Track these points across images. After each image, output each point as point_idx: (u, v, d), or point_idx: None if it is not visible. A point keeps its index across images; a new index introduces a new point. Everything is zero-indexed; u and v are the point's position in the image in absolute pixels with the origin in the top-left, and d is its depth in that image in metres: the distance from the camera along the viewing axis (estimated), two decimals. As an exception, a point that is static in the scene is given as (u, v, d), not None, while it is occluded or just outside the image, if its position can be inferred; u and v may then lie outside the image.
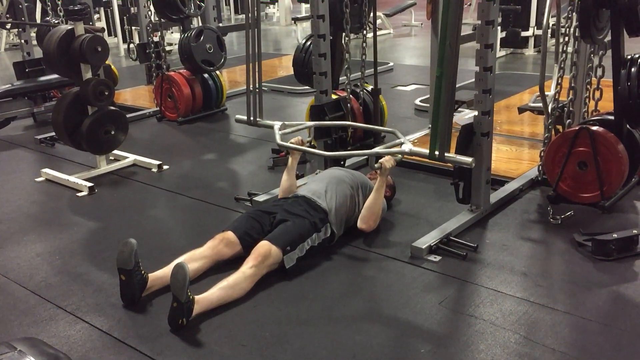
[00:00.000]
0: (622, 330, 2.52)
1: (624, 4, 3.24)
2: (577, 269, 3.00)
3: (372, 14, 4.77)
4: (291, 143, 3.57)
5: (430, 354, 2.42)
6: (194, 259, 2.96)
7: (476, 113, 3.38)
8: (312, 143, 4.10)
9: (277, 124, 3.70)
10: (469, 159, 3.03)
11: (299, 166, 3.88)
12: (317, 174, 4.15)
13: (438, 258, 3.13)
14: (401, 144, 3.32)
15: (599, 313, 2.65)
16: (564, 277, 2.94)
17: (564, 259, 3.12)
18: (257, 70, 3.83)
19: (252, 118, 3.95)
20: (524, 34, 8.70)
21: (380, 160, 3.29)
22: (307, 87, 5.75)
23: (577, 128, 3.44)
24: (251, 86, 3.86)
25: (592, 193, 3.45)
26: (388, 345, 2.48)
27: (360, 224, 3.34)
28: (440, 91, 2.96)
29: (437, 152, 3.04)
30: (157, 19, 6.03)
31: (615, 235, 3.07)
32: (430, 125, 3.22)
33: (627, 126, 3.50)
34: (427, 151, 3.09)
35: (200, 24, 6.63)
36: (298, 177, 4.20)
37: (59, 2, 6.12)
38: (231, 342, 2.53)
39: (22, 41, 6.39)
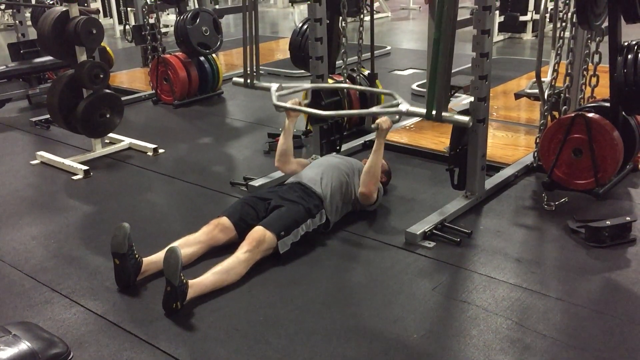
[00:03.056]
0: (613, 317, 2.54)
1: (622, -10, 3.22)
2: (570, 256, 3.01)
3: (369, -2, 4.74)
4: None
5: (423, 339, 2.44)
6: (188, 244, 2.97)
7: (472, 99, 3.37)
8: (308, 128, 4.09)
9: (274, 85, 3.65)
10: (466, 118, 2.99)
11: (294, 152, 3.87)
12: (313, 159, 4.15)
13: (432, 244, 3.14)
14: (398, 104, 3.24)
15: (591, 300, 2.67)
16: (557, 264, 2.96)
17: (557, 245, 3.13)
18: (253, 30, 3.77)
19: (249, 81, 3.91)
20: (522, 18, 8.67)
21: (377, 121, 3.27)
22: (304, 71, 5.73)
23: (572, 115, 3.44)
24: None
25: (587, 180, 3.45)
26: (381, 331, 2.50)
27: (361, 188, 3.34)
28: (437, 53, 2.93)
29: (434, 112, 3.02)
30: (152, 0, 5.98)
31: (608, 223, 3.08)
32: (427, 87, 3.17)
33: (623, 113, 3.50)
34: (424, 111, 3.05)
35: (197, 6, 6.59)
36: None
37: (54, -17, 6.08)
38: (225, 326, 2.55)
39: (17, 22, 6.35)
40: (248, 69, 3.84)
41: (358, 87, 4.13)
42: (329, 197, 3.24)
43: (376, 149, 3.31)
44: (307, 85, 3.91)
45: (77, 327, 2.59)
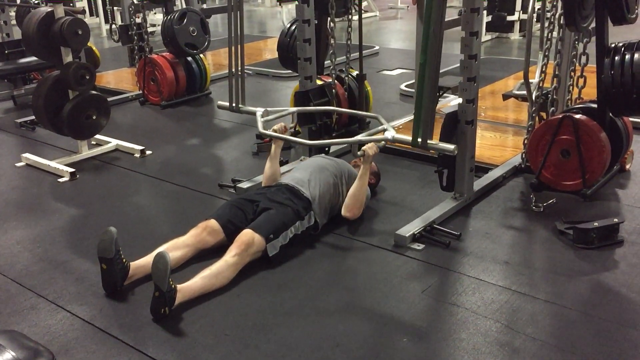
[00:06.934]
0: (601, 318, 2.55)
1: (609, -8, 3.24)
2: (559, 258, 3.02)
3: (357, -2, 4.73)
4: (274, 130, 3.54)
5: (412, 343, 2.43)
6: (176, 248, 2.94)
7: (461, 100, 3.37)
8: (297, 129, 4.08)
9: (259, 111, 3.66)
10: (451, 147, 3.03)
11: (283, 152, 3.87)
12: (302, 160, 4.14)
13: (421, 246, 3.14)
14: (384, 130, 3.30)
15: (580, 302, 2.68)
16: (545, 266, 2.97)
17: (545, 247, 3.14)
18: (239, 55, 3.79)
19: (234, 104, 3.91)
20: (509, 18, 8.69)
21: (363, 148, 3.27)
22: (291, 72, 5.71)
23: (560, 116, 3.45)
24: (234, 71, 3.84)
25: (575, 181, 3.47)
26: (371, 335, 2.49)
27: (344, 212, 3.33)
28: (423, 79, 2.95)
29: (419, 140, 3.04)
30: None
31: (596, 224, 3.10)
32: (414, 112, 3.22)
33: (610, 114, 3.52)
34: (410, 138, 3.09)
35: (184, 6, 6.54)
36: (282, 163, 4.19)
37: (39, -18, 6.01)
38: (214, 331, 2.53)
39: (1, 21, 6.26)
40: (233, 91, 3.86)
41: (345, 110, 4.18)
42: (318, 198, 3.23)
43: (362, 175, 3.31)
44: (293, 109, 3.91)
45: (63, 333, 2.56)
